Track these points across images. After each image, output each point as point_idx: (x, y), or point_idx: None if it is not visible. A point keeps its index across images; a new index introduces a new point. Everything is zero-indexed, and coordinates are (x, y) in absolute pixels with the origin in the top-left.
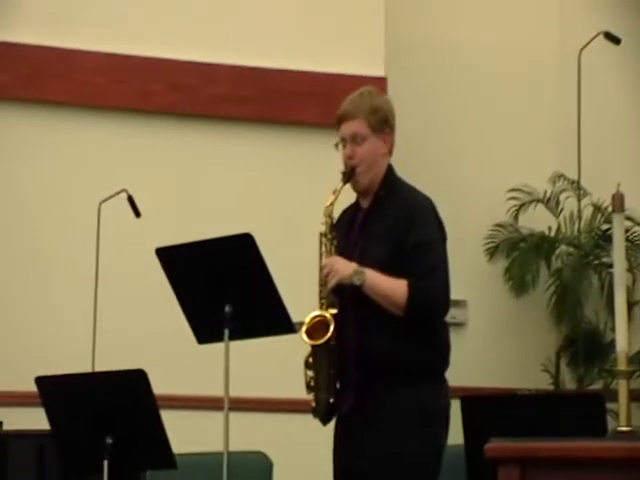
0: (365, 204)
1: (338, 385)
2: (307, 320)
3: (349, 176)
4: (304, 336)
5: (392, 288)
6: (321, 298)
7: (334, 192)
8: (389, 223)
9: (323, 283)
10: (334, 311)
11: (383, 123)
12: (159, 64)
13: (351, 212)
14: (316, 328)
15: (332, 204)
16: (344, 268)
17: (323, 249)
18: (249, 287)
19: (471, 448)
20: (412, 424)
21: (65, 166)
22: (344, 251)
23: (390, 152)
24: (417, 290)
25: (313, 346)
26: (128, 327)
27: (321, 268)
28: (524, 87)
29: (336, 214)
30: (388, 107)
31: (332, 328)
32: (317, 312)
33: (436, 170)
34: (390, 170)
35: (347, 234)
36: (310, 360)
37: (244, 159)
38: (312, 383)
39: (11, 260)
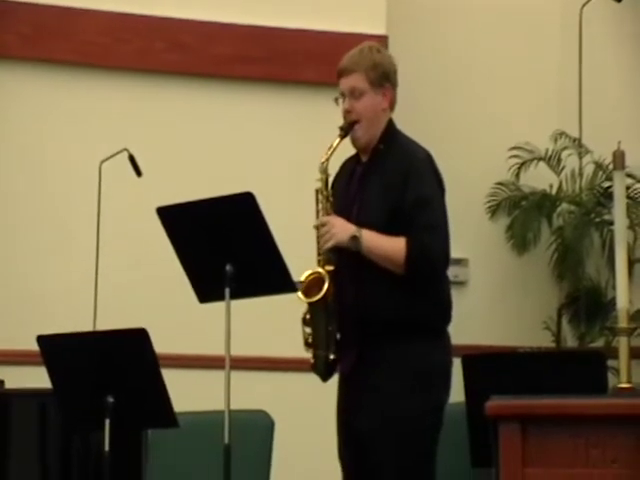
0: (365, 158)
1: (339, 342)
2: (302, 278)
3: (347, 130)
4: (299, 294)
5: (390, 247)
6: (318, 255)
7: (330, 148)
8: (387, 178)
9: (319, 238)
10: (330, 268)
11: (383, 78)
12: (162, 23)
13: (351, 164)
14: (312, 285)
15: (327, 160)
16: (342, 232)
17: (319, 206)
18: (250, 246)
19: (472, 406)
20: (411, 380)
21: (66, 125)
22: (342, 205)
23: (391, 108)
24: (415, 247)
25: (309, 303)
26: (129, 286)
27: (318, 226)
28: (525, 45)
29: (331, 170)
30: (389, 62)
31: (327, 285)
32: (312, 270)
33: (437, 128)
34: (391, 125)
35: (346, 187)
36: (307, 317)
37: (247, 118)
38: (310, 340)
39: (12, 219)
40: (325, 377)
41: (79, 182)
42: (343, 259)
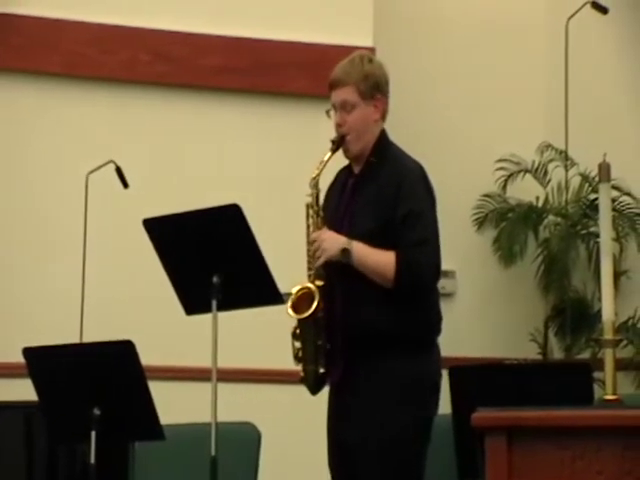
0: (357, 169)
1: (328, 355)
2: (292, 293)
3: (338, 144)
4: (289, 310)
5: (380, 262)
6: (309, 270)
7: (321, 162)
8: (378, 191)
9: (311, 255)
10: (320, 283)
11: (374, 89)
12: (147, 34)
13: (344, 175)
14: (302, 300)
15: (318, 175)
16: (332, 245)
17: (310, 221)
18: (237, 257)
19: (459, 418)
20: (400, 392)
21: (53, 137)
22: (334, 217)
23: (383, 118)
24: (405, 262)
25: (299, 319)
26: (116, 298)
27: (309, 241)
28: (512, 57)
29: (323, 184)
30: (380, 72)
31: (317, 300)
32: (302, 285)
33: (424, 140)
34: (383, 136)
35: (338, 199)
36: (297, 331)
37: (233, 130)
38: (300, 354)
39: None
40: (314, 390)
41: (66, 194)
42: (333, 273)
